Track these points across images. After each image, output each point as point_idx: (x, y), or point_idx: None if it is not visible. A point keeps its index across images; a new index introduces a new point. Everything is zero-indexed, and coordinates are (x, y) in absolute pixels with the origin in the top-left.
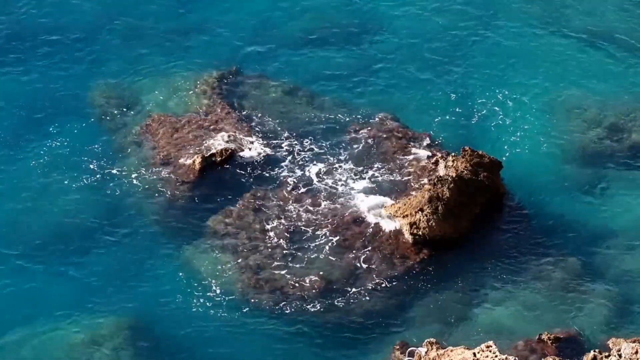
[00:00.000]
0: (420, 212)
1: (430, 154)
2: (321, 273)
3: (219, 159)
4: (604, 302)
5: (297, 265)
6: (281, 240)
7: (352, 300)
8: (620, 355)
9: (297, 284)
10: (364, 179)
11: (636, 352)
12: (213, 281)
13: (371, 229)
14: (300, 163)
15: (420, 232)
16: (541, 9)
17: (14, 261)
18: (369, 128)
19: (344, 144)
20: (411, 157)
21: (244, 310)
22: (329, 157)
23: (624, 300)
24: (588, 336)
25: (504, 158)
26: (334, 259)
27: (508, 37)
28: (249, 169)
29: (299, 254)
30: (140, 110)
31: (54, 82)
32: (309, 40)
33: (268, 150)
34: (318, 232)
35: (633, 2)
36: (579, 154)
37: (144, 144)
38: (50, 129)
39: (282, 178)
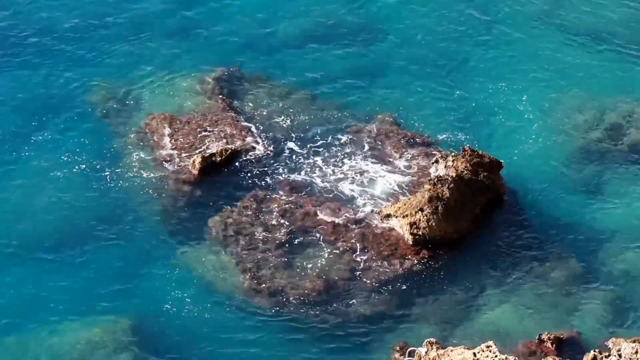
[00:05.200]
0: (420, 212)
1: (430, 154)
2: (321, 274)
3: (219, 159)
4: (604, 302)
5: (297, 266)
6: (281, 241)
7: (352, 301)
8: (620, 355)
9: (297, 285)
10: (364, 179)
11: (636, 352)
12: (213, 282)
13: (371, 229)
14: (300, 163)
15: (420, 232)
16: (542, 9)
17: (12, 261)
18: (370, 128)
19: (344, 145)
20: (411, 157)
21: (244, 311)
22: (329, 157)
23: (624, 300)
24: (588, 336)
25: (504, 158)
26: (333, 260)
27: (509, 37)
28: (249, 169)
29: (298, 254)
30: (140, 110)
31: (53, 81)
32: (309, 40)
33: (268, 151)
34: (318, 233)
35: (634, 2)
36: (579, 154)
37: (143, 143)
38: (49, 128)
39: (282, 178)
